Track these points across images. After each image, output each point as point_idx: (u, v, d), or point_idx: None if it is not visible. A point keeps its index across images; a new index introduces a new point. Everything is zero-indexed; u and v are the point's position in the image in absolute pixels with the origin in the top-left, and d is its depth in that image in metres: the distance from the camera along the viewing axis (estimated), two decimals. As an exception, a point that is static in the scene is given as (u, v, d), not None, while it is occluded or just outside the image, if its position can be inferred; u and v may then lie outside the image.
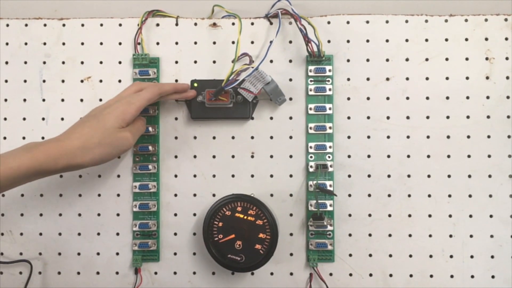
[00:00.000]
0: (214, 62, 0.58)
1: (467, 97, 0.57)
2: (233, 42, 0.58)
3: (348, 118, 0.57)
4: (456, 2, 0.58)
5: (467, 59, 0.57)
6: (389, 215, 0.57)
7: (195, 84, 0.57)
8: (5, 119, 0.59)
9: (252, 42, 0.58)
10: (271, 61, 0.58)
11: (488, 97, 0.57)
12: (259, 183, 0.58)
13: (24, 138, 0.59)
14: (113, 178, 0.58)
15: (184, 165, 0.58)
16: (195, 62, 0.58)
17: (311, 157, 0.57)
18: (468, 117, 0.57)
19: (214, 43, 0.58)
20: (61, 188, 0.58)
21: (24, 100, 0.59)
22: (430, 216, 0.57)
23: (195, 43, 0.59)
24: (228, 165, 0.58)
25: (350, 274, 0.57)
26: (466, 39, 0.57)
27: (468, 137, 0.57)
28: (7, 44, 0.59)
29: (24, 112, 0.59)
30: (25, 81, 0.59)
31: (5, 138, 0.59)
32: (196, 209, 0.58)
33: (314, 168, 0.57)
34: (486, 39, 0.57)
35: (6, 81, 0.59)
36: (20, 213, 0.58)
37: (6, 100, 0.59)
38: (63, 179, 0.58)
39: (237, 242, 0.54)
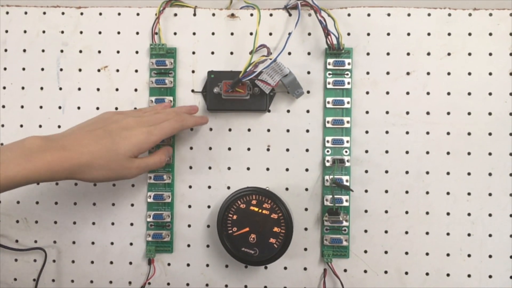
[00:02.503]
0: (231, 53, 0.58)
1: (490, 93, 0.55)
2: (251, 34, 0.57)
3: (367, 112, 0.57)
4: (480, -4, 0.57)
5: (490, 54, 0.56)
6: (406, 212, 0.56)
7: (212, 76, 0.56)
8: (22, 107, 0.59)
9: (271, 34, 0.57)
10: (289, 53, 0.57)
11: (511, 94, 0.55)
12: (274, 177, 0.57)
13: (40, 126, 0.59)
14: (128, 168, 0.58)
15: (199, 156, 0.58)
16: (212, 53, 0.58)
17: (327, 151, 0.56)
18: (490, 113, 0.55)
19: (232, 34, 0.58)
20: (76, 177, 0.58)
21: (41, 88, 0.59)
22: (448, 214, 0.56)
23: (213, 33, 0.58)
24: (243, 158, 0.58)
25: (365, 271, 0.56)
26: (490, 34, 0.56)
27: (490, 134, 0.55)
28: (25, 32, 0.59)
29: (41, 100, 0.59)
30: (42, 69, 0.59)
31: (21, 126, 0.59)
32: (210, 201, 0.58)
33: (330, 162, 0.56)
34: (511, 34, 0.55)
35: (23, 69, 0.59)
36: (36, 201, 0.59)
37: (23, 88, 0.59)
38: (78, 168, 0.58)
39: (251, 236, 0.53)
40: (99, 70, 0.59)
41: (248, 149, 0.58)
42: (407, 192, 0.56)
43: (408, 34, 0.56)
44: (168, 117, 0.51)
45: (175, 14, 0.58)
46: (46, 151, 0.42)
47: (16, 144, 0.43)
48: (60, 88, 0.59)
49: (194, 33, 0.58)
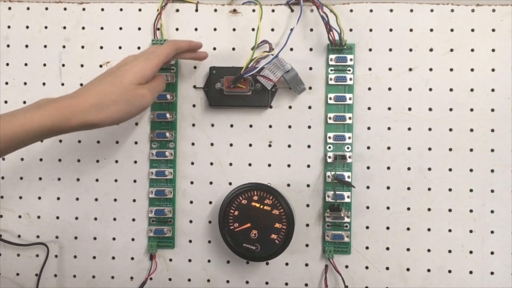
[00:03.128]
0: (233, 49, 0.58)
1: (492, 90, 0.55)
2: (253, 29, 0.57)
3: (369, 108, 0.56)
4: (484, -8, 0.57)
5: (493, 50, 0.55)
6: (408, 209, 0.56)
7: (214, 71, 0.56)
8: (24, 102, 0.59)
9: (272, 30, 0.57)
10: (291, 49, 0.57)
11: (514, 90, 0.55)
12: (276, 173, 0.57)
13: (42, 121, 0.59)
14: (130, 163, 0.58)
15: (201, 152, 0.58)
16: (214, 48, 0.58)
17: (329, 147, 0.56)
18: (492, 110, 0.55)
19: (234, 29, 0.58)
20: (79, 172, 0.59)
21: (43, 84, 0.59)
22: (450, 210, 0.55)
23: (215, 29, 0.58)
24: (245, 154, 0.57)
25: (367, 267, 0.56)
26: (493, 30, 0.55)
27: (492, 130, 0.55)
28: (27, 27, 0.59)
29: (43, 95, 0.58)
30: (44, 65, 0.59)
31: (24, 121, 0.59)
32: (212, 197, 0.58)
33: (332, 158, 0.56)
34: (514, 30, 0.55)
35: (26, 64, 0.59)
36: (38, 196, 0.59)
37: (25, 83, 0.59)
38: (80, 164, 0.59)
39: (253, 231, 0.53)
40: (101, 66, 0.59)
41: (250, 145, 0.58)
42: (409, 188, 0.56)
43: (411, 30, 0.56)
44: (165, 45, 0.51)
45: (177, 10, 0.58)
46: (56, 101, 0.44)
47: (30, 104, 0.45)
48: (62, 84, 0.59)
49: (196, 29, 0.58)
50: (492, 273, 0.55)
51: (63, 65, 0.59)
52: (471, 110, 0.55)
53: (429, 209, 0.56)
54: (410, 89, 0.56)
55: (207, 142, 0.58)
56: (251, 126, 0.58)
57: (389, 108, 0.56)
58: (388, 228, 0.56)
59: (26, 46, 0.59)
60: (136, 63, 0.48)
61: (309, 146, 0.57)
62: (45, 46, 0.59)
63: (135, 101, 0.46)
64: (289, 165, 0.57)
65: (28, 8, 0.59)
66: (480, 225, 0.55)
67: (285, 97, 0.57)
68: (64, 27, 0.59)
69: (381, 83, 0.56)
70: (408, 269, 0.56)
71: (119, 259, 0.58)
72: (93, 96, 0.44)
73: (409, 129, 0.56)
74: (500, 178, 0.55)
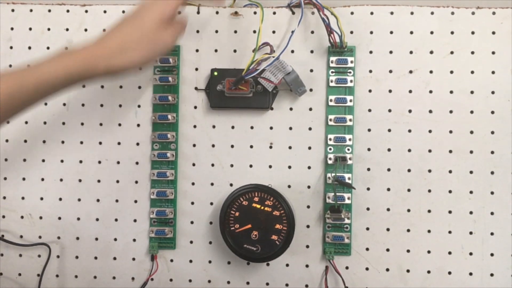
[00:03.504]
0: (234, 51, 0.58)
1: (492, 92, 0.56)
2: (254, 31, 0.58)
3: (369, 110, 0.57)
4: (484, -5, 0.57)
5: (493, 53, 0.56)
6: (408, 210, 0.56)
7: (215, 73, 0.57)
8: (27, 103, 0.59)
9: (274, 32, 0.57)
10: (292, 51, 0.57)
11: (514, 93, 0.55)
12: (277, 174, 0.57)
13: (45, 123, 0.59)
14: (131, 165, 0.59)
15: (202, 153, 0.58)
16: (216, 50, 0.58)
17: (330, 149, 0.57)
18: (492, 112, 0.55)
19: (235, 32, 0.58)
20: (81, 173, 0.59)
21: (46, 85, 0.59)
22: (450, 212, 0.56)
23: (216, 31, 0.58)
24: (246, 155, 0.58)
25: (367, 268, 0.56)
26: (493, 33, 0.56)
27: (492, 132, 0.55)
28: (30, 29, 0.60)
29: (45, 97, 0.59)
30: (47, 66, 0.59)
31: (26, 122, 0.59)
32: (213, 198, 0.58)
33: (333, 160, 0.56)
34: (514, 32, 0.55)
35: (28, 66, 0.59)
36: (40, 197, 0.59)
37: (28, 85, 0.59)
38: (82, 165, 0.59)
39: (254, 232, 0.54)
40: (103, 68, 0.59)
41: (251, 146, 0.58)
42: (409, 190, 0.56)
43: (411, 32, 0.56)
44: None
45: (179, 12, 0.58)
46: (79, 50, 0.44)
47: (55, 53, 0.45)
48: (65, 85, 0.59)
49: (197, 31, 0.58)
50: (492, 274, 0.55)
51: (66, 66, 0.59)
52: (471, 112, 0.56)
53: (429, 211, 0.56)
54: (410, 91, 0.56)
55: (208, 143, 0.58)
56: (252, 127, 0.58)
57: (390, 110, 0.56)
58: (388, 229, 0.56)
59: (29, 47, 0.60)
60: (154, 5, 0.47)
61: (309, 148, 0.57)
62: (48, 48, 0.60)
63: (156, 45, 0.46)
64: (289, 167, 0.57)
65: (31, 10, 0.60)
66: (480, 227, 0.55)
67: (286, 99, 0.57)
68: (67, 29, 0.59)
69: (382, 85, 0.57)
70: (408, 271, 0.56)
71: (120, 259, 0.59)
72: (115, 41, 0.45)
73: (410, 131, 0.56)
74: (500, 180, 0.55)
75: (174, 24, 0.49)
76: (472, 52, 0.56)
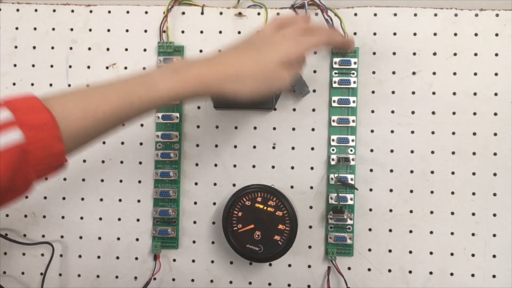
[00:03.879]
0: (238, 51, 0.58)
1: (495, 94, 0.56)
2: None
3: (372, 111, 0.57)
4: (487, -3, 0.57)
5: (496, 55, 0.56)
6: (411, 211, 0.56)
7: (219, 73, 0.57)
8: (31, 103, 0.60)
9: (277, 33, 0.58)
10: (296, 52, 0.57)
11: (517, 94, 0.55)
12: (279, 175, 0.58)
13: (49, 122, 0.59)
14: (135, 164, 0.59)
15: (206, 154, 0.58)
16: (220, 51, 0.58)
17: (333, 150, 0.57)
18: (495, 114, 0.56)
19: (239, 32, 0.58)
20: (84, 173, 0.59)
21: (51, 85, 0.60)
22: (452, 213, 0.56)
23: (220, 32, 0.58)
24: (249, 156, 0.58)
25: (369, 269, 0.57)
26: (496, 35, 0.56)
27: (495, 134, 0.55)
28: (35, 29, 0.60)
29: (50, 96, 0.60)
30: (51, 66, 0.60)
31: (30, 121, 0.60)
32: (216, 198, 0.58)
33: (335, 161, 0.56)
34: (517, 34, 0.56)
35: (33, 65, 0.60)
36: (44, 196, 0.59)
37: (32, 84, 0.60)
38: (86, 164, 0.59)
39: (256, 233, 0.54)
40: (107, 67, 0.59)
41: (254, 147, 0.58)
42: (411, 191, 0.56)
43: (415, 34, 0.56)
44: (315, 32, 0.48)
45: (183, 13, 0.59)
46: (193, 67, 0.42)
47: (162, 66, 0.43)
48: (69, 85, 0.60)
49: (201, 32, 0.59)
50: (494, 276, 0.55)
51: (70, 66, 0.60)
52: (474, 114, 0.56)
53: (431, 212, 0.56)
54: (413, 93, 0.56)
55: (211, 143, 0.58)
56: (255, 128, 0.58)
57: (393, 111, 0.57)
58: (390, 230, 0.56)
59: (34, 47, 0.60)
60: (283, 43, 0.45)
61: (312, 149, 0.57)
62: (52, 48, 0.60)
63: (272, 81, 0.44)
64: (292, 167, 0.58)
65: (36, 10, 0.60)
66: (482, 228, 0.55)
67: (289, 99, 0.58)
68: (71, 29, 0.60)
69: (385, 86, 0.57)
70: (410, 272, 0.56)
71: (123, 259, 0.59)
72: (233, 68, 0.43)
73: (412, 132, 0.56)
74: (503, 181, 0.55)
75: (294, 64, 0.47)
76: (475, 54, 0.56)
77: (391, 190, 0.56)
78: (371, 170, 0.57)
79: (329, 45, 0.52)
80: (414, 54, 0.56)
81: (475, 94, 0.56)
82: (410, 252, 0.56)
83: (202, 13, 0.59)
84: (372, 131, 0.57)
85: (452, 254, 0.56)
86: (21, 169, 0.34)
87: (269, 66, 0.44)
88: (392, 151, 0.57)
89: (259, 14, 0.58)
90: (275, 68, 0.44)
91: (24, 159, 0.34)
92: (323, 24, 0.54)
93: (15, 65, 0.60)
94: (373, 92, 0.57)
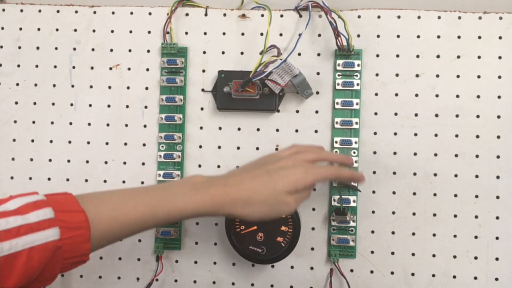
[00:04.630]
0: (241, 53, 0.58)
1: (499, 97, 0.56)
2: (261, 34, 0.58)
3: (375, 114, 0.57)
4: (490, 0, 0.57)
5: (500, 57, 0.56)
6: (414, 214, 0.56)
7: (222, 75, 0.57)
8: (35, 103, 0.60)
9: (281, 35, 0.58)
10: (299, 54, 0.58)
11: (520, 97, 0.55)
12: (282, 176, 0.58)
13: (52, 123, 0.60)
14: (138, 165, 0.59)
15: (208, 155, 0.58)
16: (223, 52, 0.58)
17: (336, 152, 0.57)
18: (499, 117, 0.56)
19: (243, 34, 0.58)
20: (87, 173, 0.59)
21: (54, 85, 0.60)
22: (455, 216, 0.56)
23: (224, 33, 0.59)
24: (252, 157, 0.57)
25: (371, 271, 0.56)
26: (500, 37, 0.56)
27: (498, 137, 0.55)
28: (38, 29, 0.60)
29: (53, 97, 0.60)
30: (55, 66, 0.60)
31: (33, 122, 0.60)
32: (218, 200, 0.58)
33: (339, 163, 0.56)
34: (521, 37, 0.56)
35: (36, 66, 0.60)
36: (46, 197, 0.59)
37: (36, 85, 0.60)
38: (88, 165, 0.59)
39: (259, 234, 0.54)
40: (111, 68, 0.59)
41: (257, 148, 0.58)
42: (414, 193, 0.56)
43: (418, 36, 0.57)
44: (327, 165, 0.53)
45: (187, 14, 0.59)
46: (211, 186, 0.46)
47: (185, 179, 0.48)
48: (72, 86, 0.60)
49: (205, 33, 0.59)
50: (496, 279, 0.55)
51: (74, 67, 0.60)
52: (477, 116, 0.56)
53: (434, 215, 0.56)
54: (416, 95, 0.56)
55: (214, 145, 0.58)
56: (258, 129, 0.58)
57: (396, 114, 0.57)
58: (393, 232, 0.56)
59: (37, 48, 0.60)
60: (294, 171, 0.48)
61: (315, 150, 0.57)
62: (56, 48, 0.60)
63: (279, 207, 0.47)
64: (295, 169, 0.57)
65: (39, 11, 0.60)
66: (485, 231, 0.55)
67: (292, 101, 0.58)
68: (75, 30, 0.60)
69: (388, 88, 0.57)
70: (413, 274, 0.56)
71: (125, 260, 0.59)
72: (245, 191, 0.46)
73: (415, 134, 0.56)
74: (506, 184, 0.55)
75: (302, 191, 0.48)
76: (479, 57, 0.56)
77: (394, 193, 0.56)
78: (374, 172, 0.57)
79: (338, 179, 0.55)
80: (418, 56, 0.57)
81: (478, 96, 0.56)
82: (413, 254, 0.56)
83: (205, 14, 0.59)
84: (375, 133, 0.57)
85: (455, 256, 0.56)
86: (51, 264, 0.38)
87: (278, 194, 0.46)
88: (395, 153, 0.57)
89: (262, 16, 0.58)
90: (282, 195, 0.47)
91: (56, 255, 0.38)
92: (339, 157, 0.55)
93: (18, 66, 0.60)
94: (376, 94, 0.57)
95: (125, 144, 0.59)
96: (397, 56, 0.57)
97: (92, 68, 0.60)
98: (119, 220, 0.42)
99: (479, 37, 0.56)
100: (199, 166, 0.58)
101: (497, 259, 0.55)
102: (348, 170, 0.54)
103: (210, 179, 0.47)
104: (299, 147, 0.52)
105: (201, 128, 0.59)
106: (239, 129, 0.58)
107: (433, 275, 0.56)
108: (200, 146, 0.59)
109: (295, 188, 0.47)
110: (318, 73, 0.57)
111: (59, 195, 0.41)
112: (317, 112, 0.57)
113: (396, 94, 0.57)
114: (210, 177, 0.48)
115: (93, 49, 0.60)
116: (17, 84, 0.60)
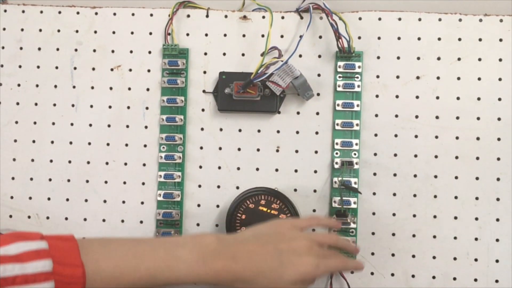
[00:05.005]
0: (243, 55, 0.58)
1: (499, 99, 0.56)
2: (262, 36, 0.58)
3: (376, 115, 0.57)
4: (491, 2, 0.57)
5: (500, 60, 0.56)
6: (414, 215, 0.56)
7: (224, 76, 0.57)
8: (36, 104, 0.60)
9: (282, 36, 0.58)
10: (300, 56, 0.58)
11: (521, 100, 0.56)
12: (283, 178, 0.58)
13: (54, 123, 0.60)
14: (138, 166, 0.59)
15: (209, 156, 0.59)
16: (224, 54, 0.59)
17: (336, 153, 0.57)
18: (499, 119, 0.56)
19: (244, 36, 0.58)
20: (88, 174, 0.59)
21: (55, 86, 0.60)
22: (456, 218, 0.56)
23: (225, 35, 0.59)
24: (253, 158, 0.58)
25: (372, 273, 0.57)
26: (500, 40, 0.56)
27: (499, 139, 0.56)
28: (40, 30, 0.60)
29: (54, 98, 0.60)
30: (56, 67, 0.60)
31: (35, 123, 0.60)
32: (219, 201, 0.58)
33: (339, 164, 0.56)
34: (521, 40, 0.56)
35: (38, 67, 0.60)
36: (47, 197, 0.60)
37: (37, 85, 0.60)
38: (90, 166, 0.59)
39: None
40: (112, 69, 0.60)
41: (258, 149, 0.58)
42: (415, 195, 0.56)
43: (419, 38, 0.57)
44: (335, 255, 0.50)
45: (188, 15, 0.59)
46: (218, 258, 0.44)
47: (194, 242, 0.45)
48: (74, 87, 0.60)
49: (206, 34, 0.59)
50: (496, 281, 0.55)
51: (75, 68, 0.60)
52: (478, 118, 0.56)
53: (434, 216, 0.56)
54: (417, 97, 0.57)
55: (215, 146, 0.59)
56: (259, 131, 0.58)
57: (396, 116, 0.57)
58: (393, 234, 0.56)
59: (39, 49, 0.60)
60: (305, 262, 0.46)
61: (316, 152, 0.57)
62: (58, 49, 0.60)
63: None
64: (296, 170, 0.58)
65: (41, 12, 0.60)
66: (486, 233, 0.56)
67: (293, 103, 0.58)
68: (77, 31, 0.60)
69: (389, 90, 0.57)
70: (413, 276, 0.56)
71: (126, 260, 0.59)
72: (251, 272, 0.44)
73: (416, 136, 0.56)
74: (506, 186, 0.55)
75: (308, 281, 0.47)
76: (479, 59, 0.56)
77: (394, 194, 0.57)
78: (374, 174, 0.57)
79: (343, 271, 0.55)
80: (418, 58, 0.57)
81: (479, 99, 0.56)
82: (413, 256, 0.56)
83: (207, 16, 0.59)
84: (376, 135, 0.57)
85: (455, 258, 0.56)
86: None
87: (283, 283, 0.45)
88: (395, 155, 0.57)
89: (264, 17, 0.58)
90: (287, 285, 0.45)
91: None
92: (349, 246, 0.53)
93: (20, 66, 0.60)
94: (377, 96, 0.57)
95: (126, 145, 0.59)
96: (398, 58, 0.57)
97: (93, 69, 0.60)
98: (117, 279, 0.41)
99: (480, 39, 0.56)
100: (200, 167, 0.59)
101: (497, 261, 0.55)
102: (354, 261, 0.54)
103: (222, 247, 0.45)
104: (317, 221, 0.53)
105: (202, 129, 0.59)
106: (240, 130, 0.58)
107: (434, 277, 0.56)
108: (201, 147, 0.59)
109: (302, 279, 0.45)
110: (319, 75, 0.58)
111: (62, 241, 0.41)
112: (318, 113, 0.58)
113: (397, 96, 0.57)
114: (222, 241, 0.45)
115: (94, 50, 0.60)
116: (19, 85, 0.60)
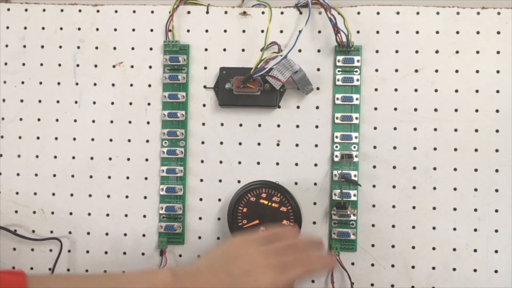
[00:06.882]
0: (243, 50, 0.59)
1: (497, 91, 0.56)
2: (262, 31, 0.59)
3: (375, 109, 0.57)
4: (489, -5, 0.58)
5: (498, 52, 0.56)
6: (413, 207, 0.57)
7: (224, 72, 0.58)
8: (40, 101, 0.61)
9: (281, 31, 0.58)
10: (300, 51, 0.58)
11: (519, 92, 0.56)
12: (284, 171, 0.58)
13: (57, 120, 0.60)
14: (141, 161, 0.60)
15: (211, 151, 0.59)
16: (224, 50, 0.59)
17: (336, 147, 0.57)
18: (497, 111, 0.56)
19: (244, 31, 0.59)
20: (92, 169, 0.60)
21: (58, 83, 0.61)
22: (455, 209, 0.56)
23: (225, 31, 0.59)
24: (253, 152, 0.59)
25: (372, 264, 0.57)
26: (498, 33, 0.56)
27: (497, 131, 0.56)
28: (43, 28, 0.61)
29: (58, 95, 0.61)
30: (59, 65, 0.61)
31: (39, 119, 0.61)
32: (221, 195, 0.59)
33: (339, 158, 0.57)
34: (519, 32, 0.56)
35: (41, 64, 0.61)
36: (52, 193, 0.60)
37: (41, 83, 0.61)
38: (93, 161, 0.60)
39: (261, 228, 0.55)
40: (114, 66, 0.60)
41: (259, 144, 0.59)
42: (414, 187, 0.57)
43: (417, 32, 0.57)
44: (296, 261, 0.45)
45: (188, 12, 0.60)
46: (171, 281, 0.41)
47: (149, 277, 0.42)
48: (77, 83, 0.61)
49: (206, 30, 0.60)
50: (496, 271, 0.56)
51: (78, 65, 0.60)
52: (476, 111, 0.56)
53: (434, 208, 0.57)
54: (416, 90, 0.57)
55: (216, 140, 0.59)
56: (259, 125, 0.59)
57: (395, 109, 0.57)
58: (393, 226, 0.57)
59: (42, 46, 0.61)
60: (259, 282, 0.42)
61: (316, 146, 0.58)
62: (60, 47, 0.61)
63: None
64: (296, 164, 0.58)
65: (44, 10, 0.61)
66: (485, 224, 0.56)
67: (293, 97, 0.58)
68: (79, 29, 0.61)
69: (388, 84, 0.57)
70: (413, 267, 0.57)
71: (130, 254, 0.60)
72: None
73: (415, 129, 0.57)
74: (505, 177, 0.56)
75: None
76: (477, 52, 0.57)
77: (394, 187, 0.57)
78: (374, 167, 0.57)
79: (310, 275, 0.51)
80: (417, 52, 0.57)
81: (477, 91, 0.56)
82: (413, 247, 0.57)
83: (207, 12, 0.60)
84: (375, 128, 0.57)
85: (454, 249, 0.56)
86: None
87: None
88: (395, 147, 0.57)
89: (263, 13, 0.59)
90: None
91: None
92: (309, 246, 0.48)
93: (23, 64, 0.61)
94: (376, 89, 0.58)
95: (129, 140, 0.60)
96: (397, 51, 0.57)
97: (96, 66, 0.60)
98: None
99: (478, 32, 0.57)
100: (202, 161, 0.59)
101: (496, 251, 0.56)
102: (320, 261, 0.47)
103: (174, 282, 0.41)
104: (273, 235, 0.47)
105: (203, 124, 0.59)
106: (240, 125, 0.59)
107: (433, 268, 0.56)
108: (203, 142, 0.59)
109: None
110: (318, 69, 0.58)
111: (11, 275, 0.38)
112: (317, 107, 0.58)
113: (396, 89, 0.57)
114: (177, 276, 0.42)
115: (96, 47, 0.60)
116: (22, 82, 0.61)
